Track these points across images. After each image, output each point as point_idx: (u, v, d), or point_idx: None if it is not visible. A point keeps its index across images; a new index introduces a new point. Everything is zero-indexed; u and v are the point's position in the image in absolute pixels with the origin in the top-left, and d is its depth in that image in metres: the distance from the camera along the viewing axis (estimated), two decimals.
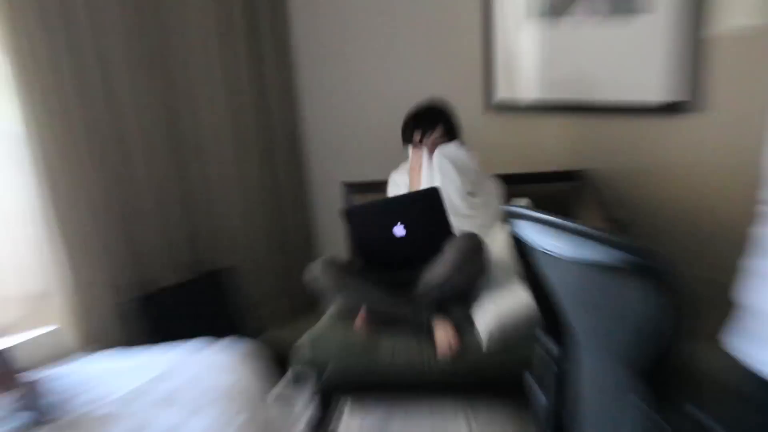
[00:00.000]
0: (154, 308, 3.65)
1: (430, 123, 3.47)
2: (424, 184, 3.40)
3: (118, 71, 3.82)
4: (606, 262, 1.58)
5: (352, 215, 3.22)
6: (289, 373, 3.40)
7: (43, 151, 3.42)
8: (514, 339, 2.92)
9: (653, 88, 3.47)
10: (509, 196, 3.53)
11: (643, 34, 3.45)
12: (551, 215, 1.73)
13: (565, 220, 1.68)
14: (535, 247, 1.81)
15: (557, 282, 1.86)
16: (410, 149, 3.49)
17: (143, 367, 2.23)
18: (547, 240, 1.76)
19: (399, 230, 3.17)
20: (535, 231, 1.81)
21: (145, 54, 3.99)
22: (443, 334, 2.97)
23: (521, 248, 1.93)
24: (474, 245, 3.07)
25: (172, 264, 4.10)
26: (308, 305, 4.73)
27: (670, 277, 1.50)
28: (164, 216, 4.09)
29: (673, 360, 1.57)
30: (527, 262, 1.94)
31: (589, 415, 1.90)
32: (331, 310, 3.31)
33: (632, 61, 3.51)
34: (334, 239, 4.47)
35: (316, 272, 3.17)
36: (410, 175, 3.48)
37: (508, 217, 1.91)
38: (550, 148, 3.88)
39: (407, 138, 3.51)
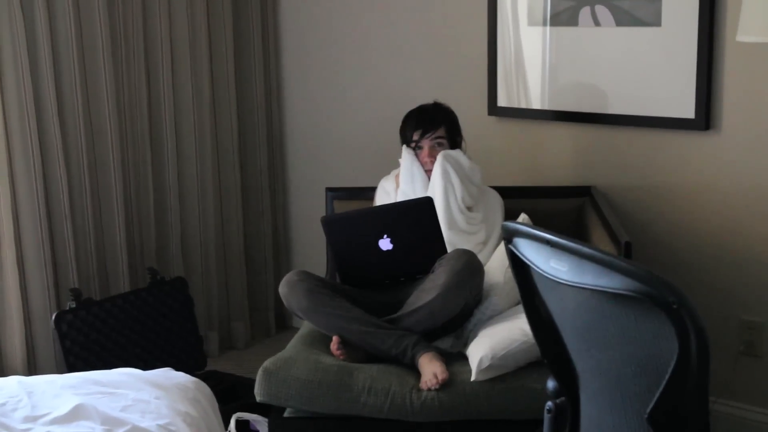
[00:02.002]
0: (92, 323, 3.57)
1: (433, 123, 3.40)
2: (418, 192, 3.34)
3: (96, 65, 3.89)
4: (612, 289, 1.53)
5: (332, 224, 3.16)
6: (232, 423, 3.25)
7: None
8: (511, 370, 2.85)
9: (669, 103, 3.46)
10: (509, 211, 3.48)
11: (656, 46, 3.46)
12: (552, 233, 1.68)
13: (567, 239, 1.62)
14: (534, 268, 1.76)
15: (557, 309, 1.80)
16: (405, 152, 3.43)
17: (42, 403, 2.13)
18: (546, 261, 1.70)
19: (385, 244, 3.11)
20: (534, 250, 1.75)
21: (129, 48, 4.04)
22: (429, 367, 2.86)
23: (519, 269, 1.87)
24: (469, 265, 2.99)
25: (122, 271, 4.05)
26: (274, 327, 4.73)
27: (685, 309, 1.45)
28: (125, 220, 4.07)
29: (690, 410, 1.52)
30: (526, 285, 1.88)
31: None
32: (299, 335, 3.19)
33: (646, 74, 3.51)
34: (313, 251, 4.42)
35: (285, 288, 3.09)
36: (400, 180, 3.43)
37: (506, 233, 1.85)
38: (556, 160, 3.83)
39: (405, 137, 3.44)
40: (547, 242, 1.67)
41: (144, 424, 1.98)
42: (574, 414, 1.90)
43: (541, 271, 1.72)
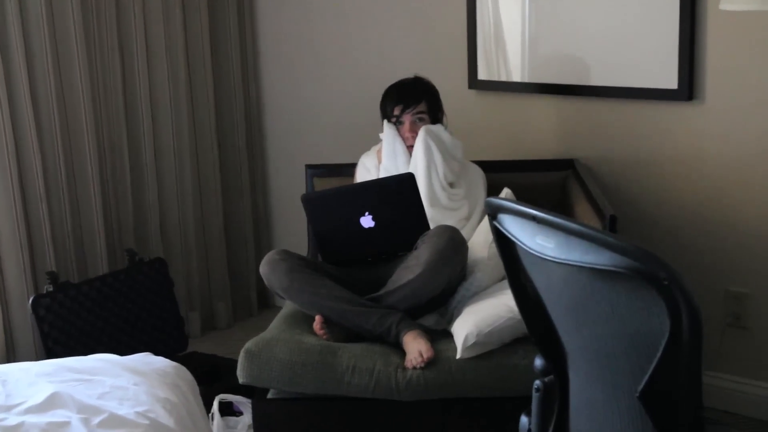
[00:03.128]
0: (70, 307, 3.50)
1: (414, 98, 3.35)
2: (400, 168, 3.30)
3: (68, 42, 3.82)
4: (600, 266, 1.49)
5: (311, 202, 3.11)
6: (215, 406, 3.20)
7: None
8: (497, 347, 2.81)
9: (651, 73, 3.41)
10: (491, 186, 3.44)
11: (638, 15, 3.41)
12: (537, 209, 1.64)
13: (554, 215, 1.58)
14: (519, 245, 1.72)
15: (544, 286, 1.76)
16: (387, 127, 3.38)
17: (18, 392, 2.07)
18: (531, 237, 1.66)
19: (366, 221, 3.07)
20: (520, 227, 1.71)
21: (101, 24, 3.97)
22: (414, 344, 2.83)
23: (504, 246, 1.83)
24: (452, 241, 2.96)
25: (100, 253, 3.99)
26: (256, 307, 4.69)
27: (676, 285, 1.41)
28: (101, 200, 4.01)
29: (682, 388, 1.49)
30: (512, 262, 1.84)
31: None
32: (281, 315, 3.15)
33: (628, 44, 3.46)
34: (295, 229, 4.36)
35: (266, 268, 3.04)
36: (382, 156, 3.38)
37: (490, 209, 1.81)
38: (538, 133, 3.79)
39: (385, 112, 3.39)
40: (533, 218, 1.63)
41: (122, 411, 1.93)
42: (563, 392, 1.87)
43: (526, 248, 1.68)
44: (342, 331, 2.98)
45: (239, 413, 3.31)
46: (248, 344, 2.93)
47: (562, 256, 1.57)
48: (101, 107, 4.01)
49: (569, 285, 1.63)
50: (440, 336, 2.97)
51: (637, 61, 3.45)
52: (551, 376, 1.88)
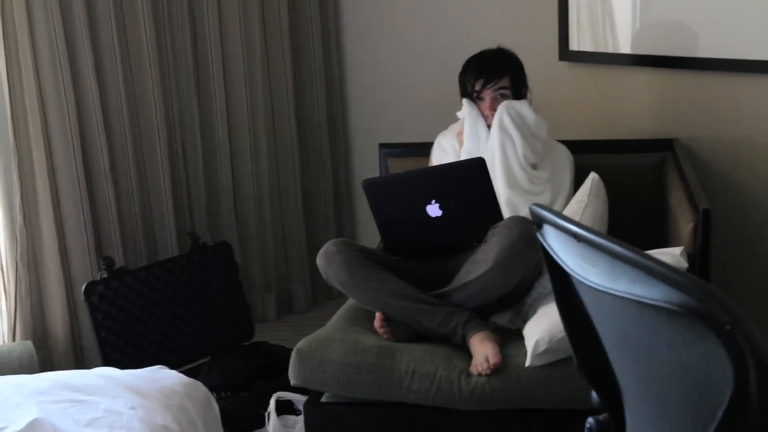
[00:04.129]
0: (126, 294, 3.38)
1: (496, 72, 3.10)
2: (481, 151, 3.06)
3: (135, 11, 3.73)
4: (648, 300, 1.22)
5: (374, 188, 2.90)
6: (272, 404, 3.06)
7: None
8: (567, 354, 2.52)
9: (764, 43, 3.06)
10: (579, 169, 3.19)
11: None
12: (578, 224, 1.36)
13: (596, 233, 1.31)
14: (563, 264, 1.46)
15: (595, 311, 1.49)
16: (467, 105, 3.14)
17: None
18: (574, 258, 1.40)
19: (433, 210, 2.85)
20: (562, 243, 1.45)
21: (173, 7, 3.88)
22: (481, 348, 2.60)
23: (551, 261, 1.57)
24: (525, 235, 2.69)
25: (170, 236, 3.91)
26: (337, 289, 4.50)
27: (741, 332, 1.14)
28: (170, 180, 3.92)
29: None
30: (559, 280, 1.58)
31: None
32: (341, 310, 2.97)
33: (744, 10, 3.12)
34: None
35: (323, 260, 2.86)
36: (464, 138, 3.14)
37: (535, 218, 1.55)
38: (635, 109, 3.52)
39: (465, 87, 3.16)
40: (574, 236, 1.36)
41: None
42: None
43: (569, 270, 1.41)
44: (404, 330, 2.77)
45: (299, 412, 3.13)
46: (300, 343, 2.76)
47: (607, 284, 1.31)
48: (170, 80, 3.90)
49: (619, 316, 1.37)
50: (513, 338, 2.74)
51: (750, 30, 3.11)
52: (605, 414, 1.61)
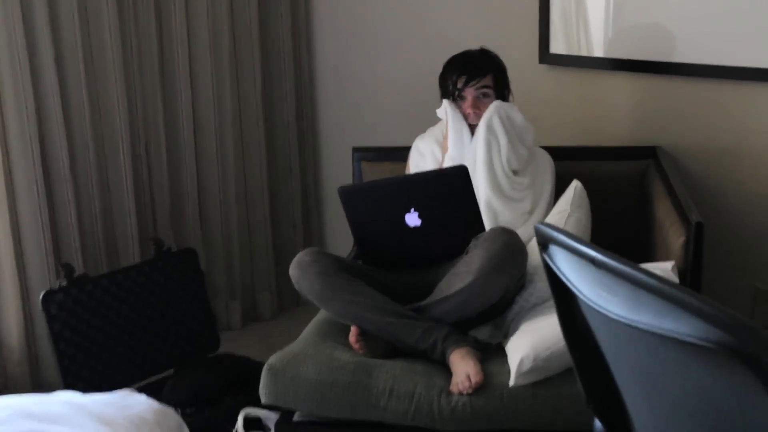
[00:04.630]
0: (85, 303, 3.23)
1: (480, 69, 3.02)
2: (465, 156, 2.97)
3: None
4: (679, 335, 1.12)
5: (350, 196, 2.79)
6: (240, 422, 2.95)
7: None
8: (557, 373, 2.45)
9: (756, 50, 2.98)
10: (560, 176, 3.11)
11: None
12: (596, 248, 1.25)
13: (619, 259, 1.20)
14: (575, 291, 1.34)
15: (606, 342, 1.39)
16: (448, 107, 3.04)
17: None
18: (590, 285, 1.29)
19: (412, 219, 2.74)
20: (575, 268, 1.34)
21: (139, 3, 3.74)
22: (462, 365, 2.49)
23: (557, 284, 1.45)
24: (509, 247, 2.60)
25: (132, 241, 3.78)
26: (298, 301, 4.40)
27: None
28: (133, 182, 3.79)
29: None
30: (565, 305, 1.47)
31: None
32: (313, 323, 2.85)
33: (728, 14, 3.04)
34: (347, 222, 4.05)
35: (296, 271, 2.73)
36: (448, 143, 3.05)
37: (540, 237, 1.43)
38: (616, 115, 3.43)
39: (446, 86, 3.06)
40: (592, 261, 1.24)
41: None
42: None
43: (583, 297, 1.30)
44: (381, 345, 2.65)
45: (268, 429, 3.02)
46: (272, 359, 2.63)
47: (629, 316, 1.20)
48: (135, 77, 3.76)
49: (639, 349, 1.26)
50: (494, 354, 2.62)
51: (734, 36, 3.03)
52: None
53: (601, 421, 1.51)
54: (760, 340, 1.04)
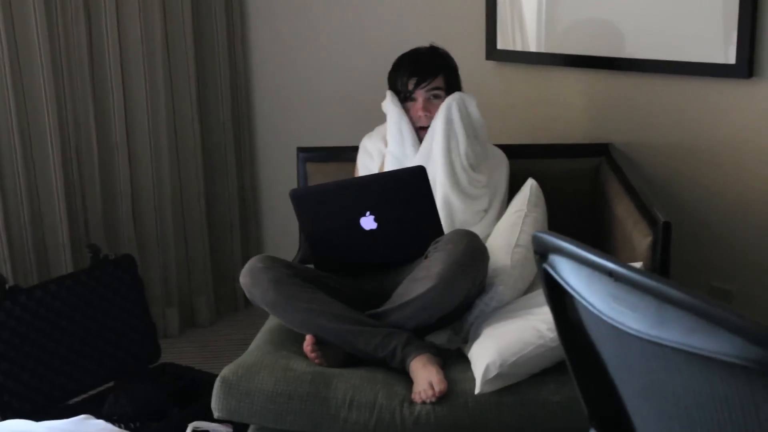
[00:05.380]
0: (19, 318, 3.08)
1: (431, 71, 2.96)
2: (406, 154, 2.92)
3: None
4: (711, 353, 1.05)
5: (302, 199, 2.71)
6: None
7: None
8: (523, 379, 2.41)
9: (705, 45, 3.01)
10: (513, 174, 3.07)
11: None
12: (613, 260, 1.18)
13: (642, 273, 1.13)
14: (583, 303, 1.27)
15: (614, 357, 1.32)
16: (391, 101, 2.97)
17: None
18: (604, 299, 1.22)
19: (368, 222, 2.67)
20: (585, 279, 1.26)
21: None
22: (424, 373, 2.42)
23: (555, 294, 1.38)
24: (471, 251, 2.55)
25: (63, 249, 3.64)
26: (243, 301, 4.30)
27: None
28: (64, 186, 3.64)
29: None
30: (566, 318, 1.40)
31: None
32: (264, 330, 2.75)
33: (677, 10, 3.05)
34: (287, 217, 3.93)
35: (247, 278, 2.64)
36: (388, 139, 2.98)
37: (539, 246, 1.36)
38: (567, 112, 3.41)
39: (395, 86, 2.99)
40: (609, 273, 1.17)
41: None
42: None
43: (595, 311, 1.23)
44: (338, 354, 2.57)
45: None
46: (225, 371, 2.52)
47: (652, 332, 1.13)
48: (64, 77, 3.61)
49: (654, 366, 1.19)
50: (454, 359, 2.57)
51: (687, 31, 3.04)
52: None
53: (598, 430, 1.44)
54: None
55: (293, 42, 4.06)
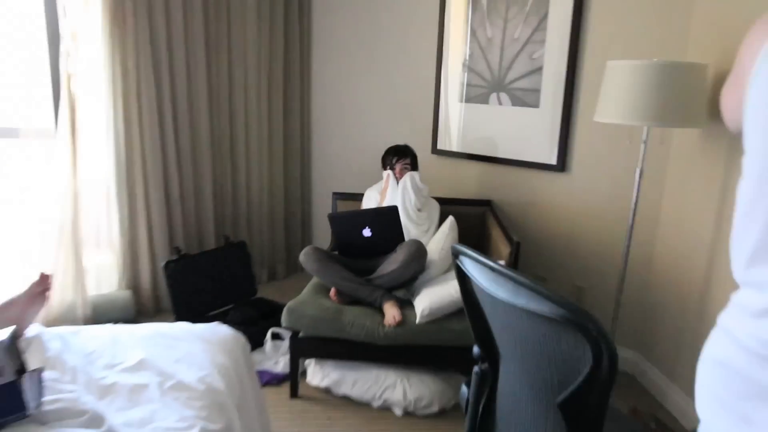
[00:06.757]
0: (187, 269, 3.01)
1: (404, 154, 2.89)
2: (389, 200, 2.83)
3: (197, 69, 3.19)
4: (542, 313, 1.03)
5: (335, 219, 2.64)
6: (269, 335, 2.78)
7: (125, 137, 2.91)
8: (440, 317, 2.36)
9: (541, 154, 2.94)
10: (442, 212, 2.98)
11: (536, 119, 2.93)
12: (492, 260, 1.17)
13: (507, 269, 1.12)
14: (476, 282, 1.25)
15: (489, 310, 1.30)
16: (385, 174, 2.90)
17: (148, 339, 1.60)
18: (488, 281, 1.20)
19: (367, 232, 2.60)
20: (478, 270, 1.25)
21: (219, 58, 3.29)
22: (390, 310, 2.38)
23: (463, 276, 1.36)
24: (418, 250, 2.51)
25: (211, 235, 3.48)
26: (300, 268, 4.16)
27: (602, 336, 0.96)
28: (212, 198, 3.46)
29: (593, 404, 1.03)
30: (467, 289, 1.37)
31: (503, 412, 1.35)
32: (310, 285, 2.68)
33: (529, 135, 2.97)
34: (323, 227, 3.89)
35: (303, 257, 2.58)
36: (386, 194, 2.90)
37: (455, 252, 1.34)
38: (468, 182, 3.30)
39: (385, 161, 2.92)
40: (491, 269, 1.15)
41: (188, 378, 1.46)
42: (494, 378, 1.40)
43: (482, 287, 1.21)
44: (348, 298, 2.52)
45: (283, 339, 2.84)
46: (290, 303, 2.46)
47: (511, 301, 1.11)
48: (215, 133, 3.36)
49: (510, 317, 1.17)
50: (407, 304, 2.51)
51: (533, 146, 2.99)
52: (486, 364, 1.41)
53: (480, 347, 1.41)
54: (589, 318, 0.97)
55: (337, 128, 3.89)
